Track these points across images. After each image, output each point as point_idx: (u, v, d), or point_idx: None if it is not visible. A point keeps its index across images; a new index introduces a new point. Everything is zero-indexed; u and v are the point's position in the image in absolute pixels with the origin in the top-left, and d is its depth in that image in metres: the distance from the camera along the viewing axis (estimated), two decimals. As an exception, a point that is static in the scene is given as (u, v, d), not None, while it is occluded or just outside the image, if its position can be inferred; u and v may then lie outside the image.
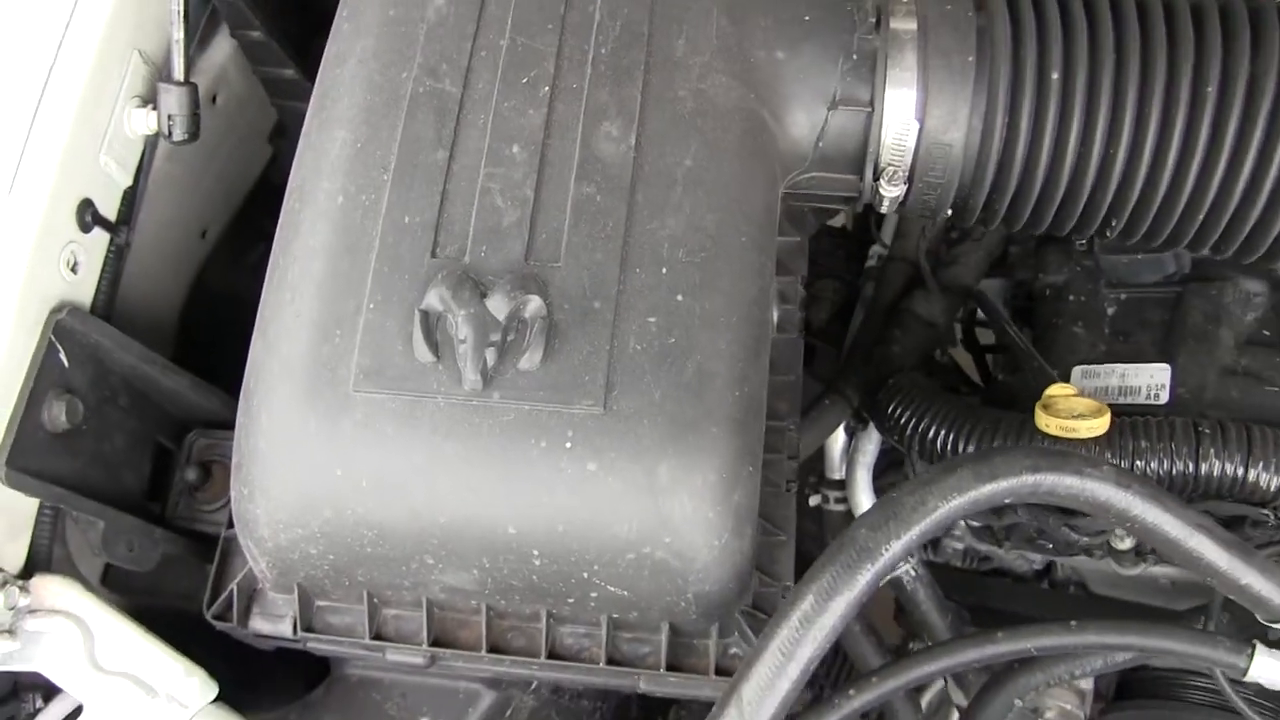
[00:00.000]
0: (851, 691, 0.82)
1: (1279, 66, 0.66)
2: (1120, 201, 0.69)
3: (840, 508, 1.06)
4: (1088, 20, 0.68)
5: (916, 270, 1.03)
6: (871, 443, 1.01)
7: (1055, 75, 0.66)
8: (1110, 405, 0.87)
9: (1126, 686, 1.19)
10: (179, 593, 0.80)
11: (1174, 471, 0.79)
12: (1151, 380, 0.87)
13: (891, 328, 1.01)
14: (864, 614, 1.08)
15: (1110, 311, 0.95)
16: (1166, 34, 0.67)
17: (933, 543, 1.13)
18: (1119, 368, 0.89)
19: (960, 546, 1.12)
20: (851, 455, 1.02)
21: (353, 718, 0.78)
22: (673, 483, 0.60)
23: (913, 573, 0.99)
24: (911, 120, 0.67)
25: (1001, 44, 0.67)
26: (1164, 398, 0.86)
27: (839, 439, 1.04)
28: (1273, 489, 0.78)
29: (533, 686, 0.84)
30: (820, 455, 1.06)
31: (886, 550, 0.61)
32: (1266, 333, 0.90)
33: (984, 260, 1.04)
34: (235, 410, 0.65)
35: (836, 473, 1.05)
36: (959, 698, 1.04)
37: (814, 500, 1.08)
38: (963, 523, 1.01)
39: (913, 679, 0.83)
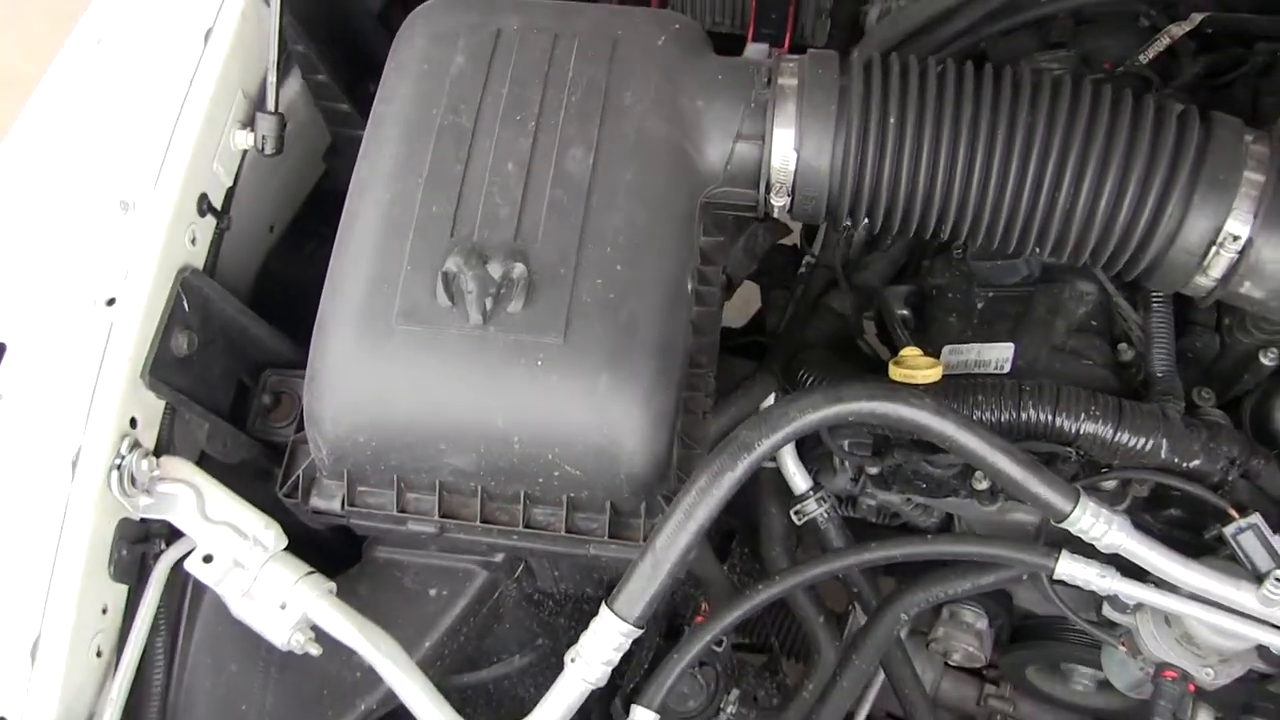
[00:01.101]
0: (760, 587, 1.16)
1: (1046, 117, 1.00)
2: (943, 211, 1.04)
3: (771, 465, 1.39)
4: (919, 82, 1.03)
5: (834, 274, 1.38)
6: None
7: (892, 120, 1.01)
8: (968, 374, 1.21)
9: (1019, 632, 1.51)
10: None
11: (1003, 418, 1.12)
12: (999, 355, 1.21)
13: (810, 318, 1.35)
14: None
15: (979, 306, 1.29)
16: (973, 91, 1.02)
17: (850, 501, 1.46)
18: (976, 346, 1.23)
19: (873, 503, 1.45)
20: (780, 420, 1.35)
21: (380, 587, 1.11)
22: (610, 391, 0.94)
23: (826, 515, 1.32)
24: (791, 150, 1.03)
25: (855, 98, 1.02)
26: (1007, 368, 1.20)
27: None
28: (1074, 432, 1.11)
29: (516, 575, 1.18)
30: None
31: (759, 445, 0.96)
32: (1094, 322, 1.24)
33: (888, 267, 1.39)
34: (299, 355, 0.99)
35: (767, 435, 1.38)
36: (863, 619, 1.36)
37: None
38: (866, 477, 1.34)
39: (807, 579, 1.17)
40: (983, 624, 1.49)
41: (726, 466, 0.94)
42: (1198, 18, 1.36)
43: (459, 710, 0.98)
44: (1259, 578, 1.04)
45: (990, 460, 1.00)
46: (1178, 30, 1.36)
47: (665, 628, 1.46)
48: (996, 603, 1.48)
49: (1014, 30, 1.46)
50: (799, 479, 1.33)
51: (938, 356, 1.24)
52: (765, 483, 1.39)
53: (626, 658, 1.03)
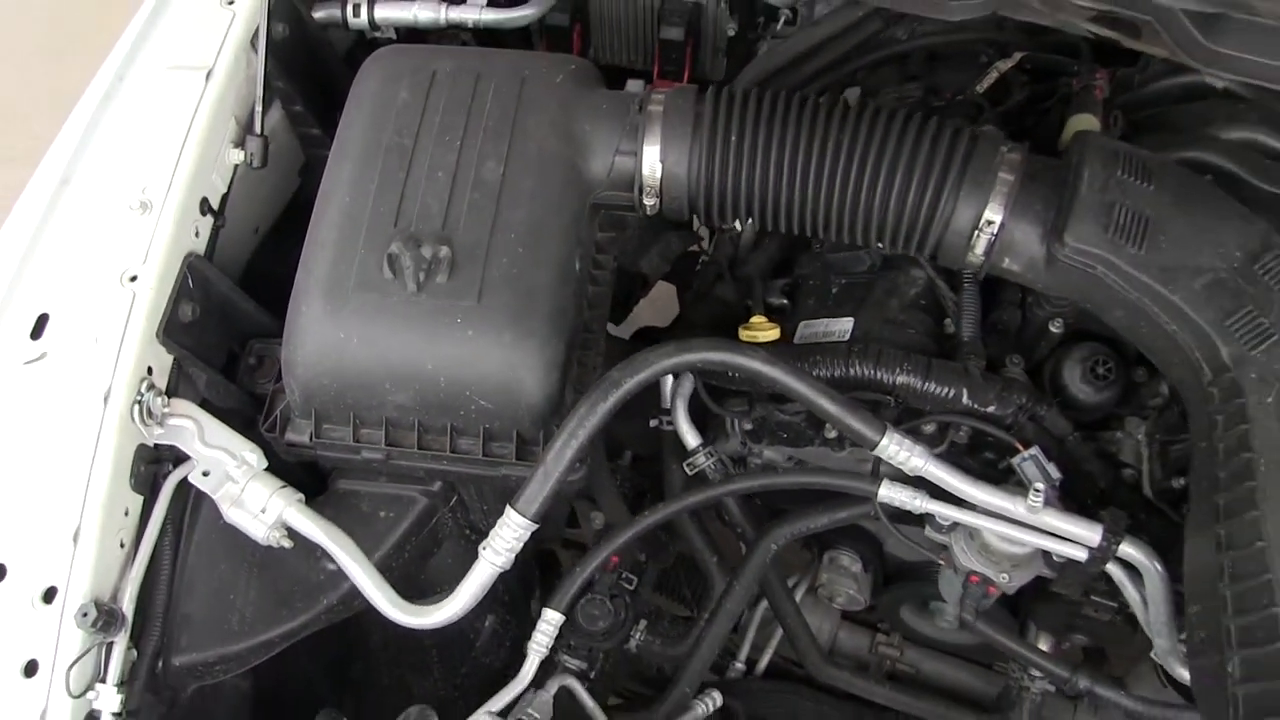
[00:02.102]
0: (646, 513, 1.53)
1: (851, 135, 1.39)
2: (775, 208, 1.42)
3: (669, 428, 1.76)
4: (755, 108, 1.41)
5: (721, 269, 1.77)
6: (687, 382, 1.72)
7: (733, 138, 1.40)
8: (815, 342, 1.59)
9: (890, 577, 1.88)
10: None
11: (835, 373, 1.50)
12: (840, 327, 1.59)
13: (700, 305, 1.73)
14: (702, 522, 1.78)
15: (834, 291, 1.68)
16: (796, 115, 1.41)
17: (741, 461, 1.82)
18: (824, 320, 1.61)
19: (759, 462, 1.82)
20: (674, 391, 1.73)
21: (340, 510, 1.47)
22: (513, 341, 1.31)
23: (713, 467, 1.69)
24: (658, 162, 1.41)
25: (706, 122, 1.41)
26: (846, 337, 1.58)
27: (668, 381, 1.75)
28: (891, 383, 1.49)
29: (450, 504, 1.54)
30: (657, 392, 1.76)
31: (626, 382, 1.33)
32: (922, 301, 1.62)
33: (766, 263, 1.77)
34: (278, 327, 1.36)
35: (666, 403, 1.76)
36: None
37: (653, 423, 1.78)
38: (745, 433, 1.71)
39: (686, 505, 1.54)
40: (857, 567, 1.86)
41: (600, 398, 1.32)
42: (1018, 56, 1.76)
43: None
44: (1031, 494, 1.42)
45: (813, 399, 1.38)
46: (1004, 65, 1.76)
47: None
48: (868, 547, 1.85)
49: (880, 65, 1.86)
50: (690, 436, 1.70)
51: (794, 331, 1.63)
52: (666, 443, 1.77)
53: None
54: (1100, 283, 1.33)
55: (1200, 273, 1.30)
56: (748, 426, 1.67)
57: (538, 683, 1.57)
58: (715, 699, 1.75)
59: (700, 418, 1.73)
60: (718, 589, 1.71)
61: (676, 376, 1.73)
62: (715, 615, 1.67)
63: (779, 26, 1.89)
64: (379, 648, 1.78)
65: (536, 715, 1.53)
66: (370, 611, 1.68)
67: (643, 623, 1.79)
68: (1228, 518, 1.21)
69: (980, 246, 1.38)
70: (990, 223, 1.36)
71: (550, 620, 1.52)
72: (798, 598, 1.98)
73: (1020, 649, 1.57)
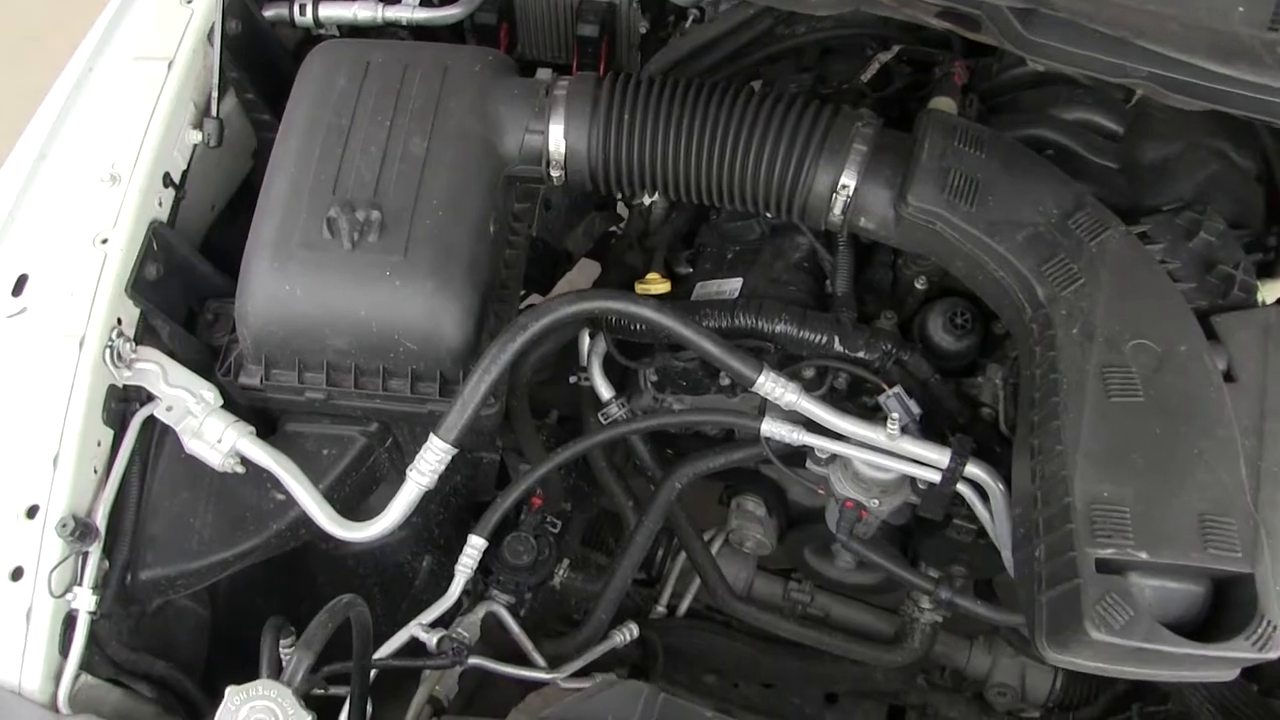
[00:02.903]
0: (559, 450, 1.80)
1: (727, 114, 1.66)
2: (664, 178, 1.70)
3: (587, 383, 2.03)
4: (645, 92, 1.69)
5: (632, 240, 2.04)
6: (600, 342, 1.98)
7: (626, 117, 1.68)
8: (708, 299, 1.87)
9: (794, 521, 2.15)
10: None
11: (722, 324, 1.77)
12: (730, 286, 1.87)
13: (611, 272, 2.00)
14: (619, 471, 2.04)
15: (729, 257, 1.95)
16: (681, 97, 1.69)
17: (650, 412, 2.09)
18: (717, 281, 1.89)
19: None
20: (589, 350, 2.00)
21: (288, 448, 1.72)
22: (434, 290, 1.58)
23: (624, 417, 1.96)
24: (561, 139, 1.69)
25: (603, 104, 1.69)
26: (735, 294, 1.85)
27: (584, 340, 2.01)
28: (770, 332, 1.76)
29: (386, 444, 1.80)
30: (575, 350, 2.03)
31: (531, 326, 1.59)
32: (806, 264, 1.90)
33: (672, 235, 2.05)
34: (232, 289, 1.62)
35: (584, 361, 2.02)
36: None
37: (572, 379, 2.05)
38: (651, 385, 1.97)
39: (595, 442, 1.81)
40: (762, 511, 2.13)
41: (510, 339, 1.59)
42: (896, 49, 2.05)
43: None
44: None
45: (696, 341, 1.65)
46: (884, 56, 2.05)
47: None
48: (771, 494, 2.12)
49: (779, 58, 2.14)
50: (604, 390, 1.97)
51: (691, 290, 1.90)
52: (584, 397, 2.03)
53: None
54: (939, 236, 1.61)
55: (1022, 226, 1.58)
56: (653, 378, 1.94)
57: (466, 609, 1.83)
58: (632, 629, 2.01)
59: (619, 377, 2.00)
60: (629, 525, 1.98)
61: (592, 336, 2.00)
62: (627, 548, 1.93)
63: (688, 24, 2.17)
64: (325, 585, 2.02)
65: (465, 634, 1.79)
66: (317, 553, 1.94)
67: (566, 561, 2.06)
68: (1038, 429, 1.49)
69: (838, 207, 1.66)
70: (845, 186, 1.64)
71: (474, 544, 1.78)
72: (715, 549, 2.25)
73: (888, 564, 1.84)
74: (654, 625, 2.16)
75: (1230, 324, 1.56)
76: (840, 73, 2.08)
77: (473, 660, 1.80)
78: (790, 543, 2.18)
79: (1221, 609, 1.41)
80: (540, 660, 1.86)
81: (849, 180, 1.64)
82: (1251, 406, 1.51)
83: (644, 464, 1.98)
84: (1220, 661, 1.38)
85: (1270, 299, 1.67)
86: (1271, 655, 1.35)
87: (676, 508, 1.99)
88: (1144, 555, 1.37)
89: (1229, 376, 1.52)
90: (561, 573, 2.04)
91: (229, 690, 1.28)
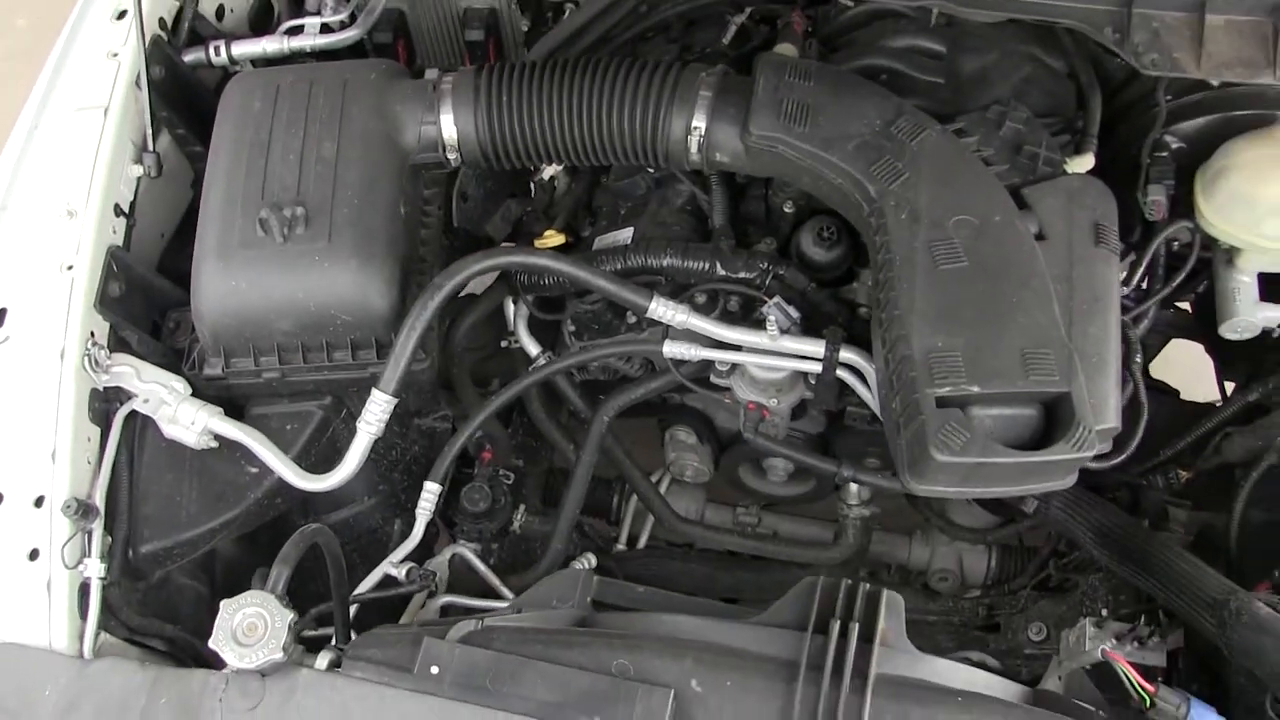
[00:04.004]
0: (494, 395, 2.12)
1: (593, 77, 1.99)
2: (546, 146, 2.02)
3: (517, 345, 2.35)
4: (519, 75, 2.02)
5: (538, 212, 2.37)
6: (524, 307, 2.30)
7: (505, 98, 2.01)
8: (605, 248, 2.19)
9: (726, 445, 2.46)
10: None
11: (618, 266, 2.09)
12: (623, 235, 2.19)
13: (520, 240, 2.33)
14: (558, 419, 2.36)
15: (622, 212, 2.28)
16: (549, 74, 2.01)
17: (581, 368, 2.40)
18: (614, 232, 2.21)
19: (596, 365, 2.40)
20: (515, 314, 2.32)
21: (255, 428, 2.04)
22: (358, 268, 1.90)
23: (545, 362, 2.27)
24: (452, 126, 2.02)
25: (484, 91, 2.02)
26: (628, 241, 2.17)
27: (509, 307, 2.33)
28: (659, 266, 2.08)
29: (342, 415, 2.11)
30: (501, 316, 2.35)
31: (445, 284, 1.90)
32: (688, 208, 2.22)
33: (573, 204, 2.37)
34: (188, 300, 1.94)
35: (511, 325, 2.34)
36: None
37: (504, 344, 2.37)
38: (570, 335, 2.28)
39: (524, 385, 2.12)
40: (693, 440, 2.44)
41: (429, 297, 1.90)
42: (748, 10, 2.38)
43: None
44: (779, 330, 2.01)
45: (590, 279, 1.97)
46: (738, 19, 2.39)
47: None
48: (700, 422, 2.43)
49: (649, 35, 2.47)
50: (531, 347, 2.29)
51: (591, 243, 2.23)
52: (516, 358, 2.35)
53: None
54: (783, 158, 1.93)
55: (851, 138, 1.90)
56: (571, 327, 2.26)
57: (428, 545, 2.14)
58: (590, 559, 2.32)
59: (551, 341, 2.32)
60: (570, 461, 2.29)
61: (515, 303, 2.32)
62: (571, 480, 2.24)
63: (565, 19, 2.50)
64: (309, 557, 2.33)
65: (434, 571, 2.10)
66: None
67: (522, 507, 2.37)
68: (883, 304, 1.81)
69: (694, 147, 1.98)
70: (697, 128, 1.97)
71: (429, 489, 2.09)
72: (664, 487, 2.57)
73: (794, 452, 2.15)
74: (613, 556, 2.47)
75: (1039, 193, 1.89)
76: (705, 40, 2.42)
77: (445, 597, 2.11)
78: (725, 465, 2.48)
79: (1051, 426, 1.72)
80: (507, 593, 2.15)
81: (699, 122, 1.97)
82: (1061, 258, 1.83)
83: (575, 406, 2.30)
84: (1051, 466, 1.69)
85: (1080, 171, 2.00)
86: (1088, 454, 1.66)
87: (618, 449, 2.30)
88: (976, 388, 1.68)
89: (1040, 236, 1.85)
90: (520, 518, 2.35)
91: (223, 603, 1.59)
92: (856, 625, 1.55)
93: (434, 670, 1.54)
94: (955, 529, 2.59)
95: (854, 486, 2.38)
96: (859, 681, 1.50)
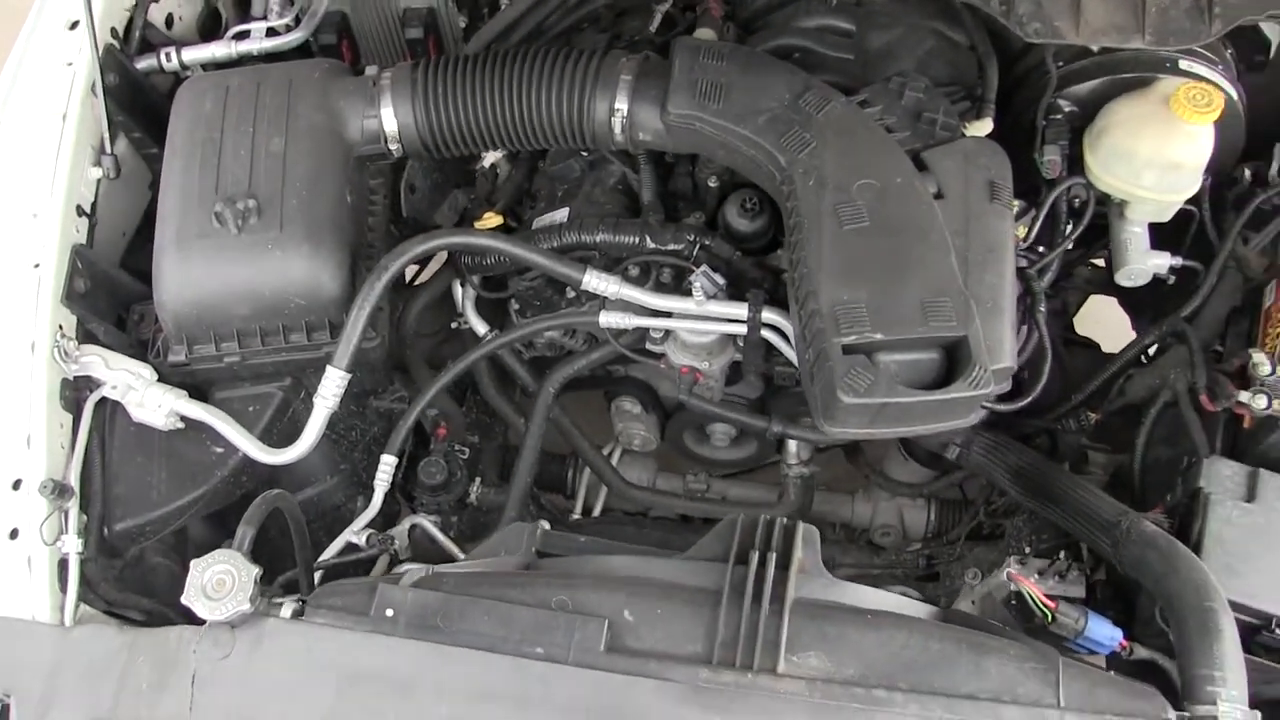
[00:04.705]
0: (443, 371, 2.30)
1: (521, 67, 2.17)
2: (482, 133, 2.20)
3: (467, 326, 2.52)
4: (452, 68, 2.20)
5: (481, 199, 2.55)
6: (470, 290, 2.48)
7: (441, 89, 2.19)
8: (542, 228, 2.37)
9: (670, 414, 2.64)
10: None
11: (555, 244, 2.27)
12: (559, 215, 2.37)
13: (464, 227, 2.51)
14: (509, 394, 2.54)
15: (559, 195, 2.46)
16: (481, 65, 2.19)
17: (528, 344, 2.58)
18: (551, 213, 2.39)
19: (543, 341, 2.58)
20: (463, 297, 2.49)
21: (221, 409, 2.21)
22: (309, 253, 2.07)
23: (489, 337, 2.45)
24: (393, 118, 2.19)
25: (419, 84, 2.19)
26: (564, 221, 2.35)
27: (457, 291, 2.51)
28: (593, 242, 2.26)
29: (301, 396, 2.29)
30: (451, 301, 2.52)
31: (391, 265, 2.09)
32: (620, 187, 2.41)
33: (513, 189, 2.55)
34: (150, 295, 2.11)
35: (460, 308, 2.52)
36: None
37: (454, 325, 2.54)
38: (515, 313, 2.46)
39: (469, 360, 2.30)
40: (638, 409, 2.62)
41: (375, 279, 2.08)
42: (671, -1, 2.57)
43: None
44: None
45: (525, 255, 2.15)
46: (663, 6, 2.57)
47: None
48: (644, 392, 2.61)
49: (582, 26, 2.66)
50: (479, 326, 2.47)
51: (531, 223, 2.41)
52: (466, 338, 2.53)
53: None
54: (701, 134, 2.12)
55: (761, 112, 2.09)
56: (515, 306, 2.44)
57: (392, 521, 2.32)
58: (544, 525, 2.49)
59: (501, 321, 2.50)
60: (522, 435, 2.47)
61: (463, 284, 2.50)
62: (522, 450, 2.42)
63: (499, 13, 2.68)
64: (278, 536, 2.50)
65: (394, 538, 2.27)
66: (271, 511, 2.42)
67: (478, 480, 2.54)
68: (795, 265, 2.00)
69: (618, 128, 2.17)
70: (619, 110, 2.15)
71: (386, 462, 2.26)
72: (615, 458, 2.75)
73: (726, 411, 2.33)
74: (568, 525, 2.65)
75: (937, 156, 2.08)
76: (633, 29, 2.60)
77: (406, 566, 2.28)
78: (671, 432, 2.67)
79: (952, 368, 1.90)
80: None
81: (621, 104, 2.15)
82: (958, 214, 2.02)
83: (523, 380, 2.48)
84: (952, 404, 1.88)
85: (980, 134, 2.19)
86: (985, 392, 1.85)
87: (565, 420, 2.48)
88: (879, 335, 1.87)
89: (938, 195, 2.03)
90: (476, 490, 2.52)
91: (193, 562, 1.76)
92: (774, 555, 1.72)
93: (389, 613, 1.71)
94: (894, 485, 2.78)
95: (792, 446, 2.57)
96: (777, 605, 1.67)
